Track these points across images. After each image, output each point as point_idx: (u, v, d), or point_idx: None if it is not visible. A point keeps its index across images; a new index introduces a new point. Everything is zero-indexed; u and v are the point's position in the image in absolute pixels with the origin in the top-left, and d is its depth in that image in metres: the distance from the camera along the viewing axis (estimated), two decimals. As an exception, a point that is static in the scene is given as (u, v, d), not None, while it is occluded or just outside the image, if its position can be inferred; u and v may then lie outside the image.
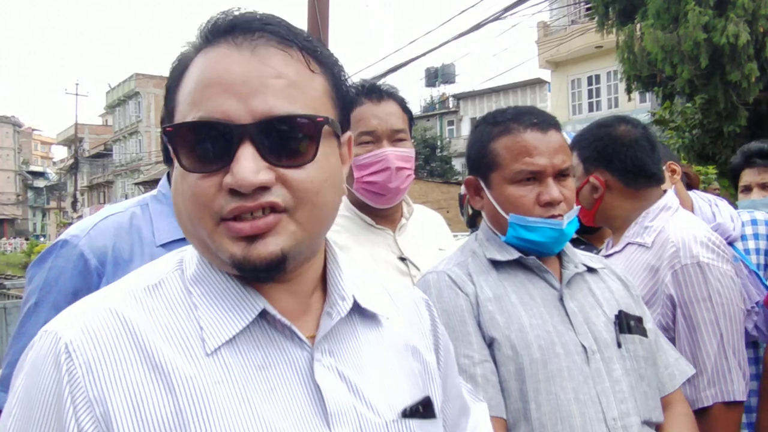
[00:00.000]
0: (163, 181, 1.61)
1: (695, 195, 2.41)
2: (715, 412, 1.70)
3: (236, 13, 0.83)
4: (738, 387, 1.73)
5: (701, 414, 1.71)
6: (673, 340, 1.76)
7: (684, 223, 1.86)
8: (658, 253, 1.81)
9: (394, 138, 1.86)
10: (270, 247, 0.77)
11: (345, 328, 0.89)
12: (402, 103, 1.92)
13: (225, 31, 0.81)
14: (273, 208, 0.77)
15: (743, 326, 1.82)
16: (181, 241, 1.48)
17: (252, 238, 0.77)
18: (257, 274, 0.79)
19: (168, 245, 1.49)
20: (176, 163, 0.81)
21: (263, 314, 0.82)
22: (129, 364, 0.76)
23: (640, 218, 1.91)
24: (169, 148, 0.81)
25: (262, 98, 0.77)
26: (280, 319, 0.82)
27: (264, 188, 0.76)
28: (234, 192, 0.76)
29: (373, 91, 1.88)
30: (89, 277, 1.42)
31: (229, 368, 0.79)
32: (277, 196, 0.77)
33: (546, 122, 1.51)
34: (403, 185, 1.88)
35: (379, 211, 1.93)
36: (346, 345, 0.88)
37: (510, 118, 1.52)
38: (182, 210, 0.82)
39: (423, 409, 0.91)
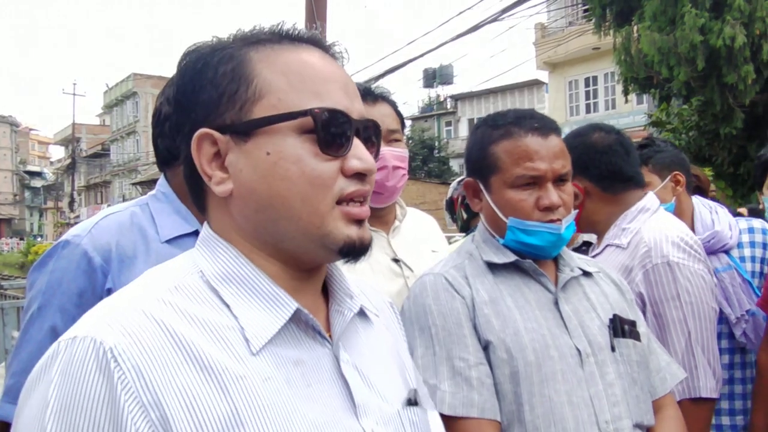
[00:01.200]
0: (162, 180, 1.60)
1: (697, 201, 2.40)
2: (683, 408, 1.71)
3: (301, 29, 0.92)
4: (705, 384, 1.75)
5: None
6: None
7: (658, 224, 1.89)
8: (632, 253, 1.85)
9: (390, 138, 1.89)
10: (367, 231, 0.88)
11: (351, 326, 0.94)
12: (394, 106, 1.95)
13: (306, 39, 0.90)
14: (365, 199, 0.88)
15: (715, 325, 1.84)
16: (186, 237, 1.50)
17: (360, 222, 0.87)
18: (357, 256, 0.87)
19: (173, 241, 1.49)
20: (275, 146, 0.83)
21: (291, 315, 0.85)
22: (178, 366, 0.75)
23: (618, 220, 1.95)
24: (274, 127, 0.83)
25: (359, 101, 0.90)
26: (307, 319, 0.86)
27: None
28: (354, 176, 0.85)
29: (367, 94, 1.90)
30: (94, 275, 1.40)
31: (272, 366, 0.81)
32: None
33: (547, 127, 1.52)
34: (399, 184, 1.91)
35: (373, 213, 1.93)
36: (353, 341, 0.93)
37: (511, 122, 1.53)
38: (292, 194, 0.83)
39: (416, 399, 0.97)
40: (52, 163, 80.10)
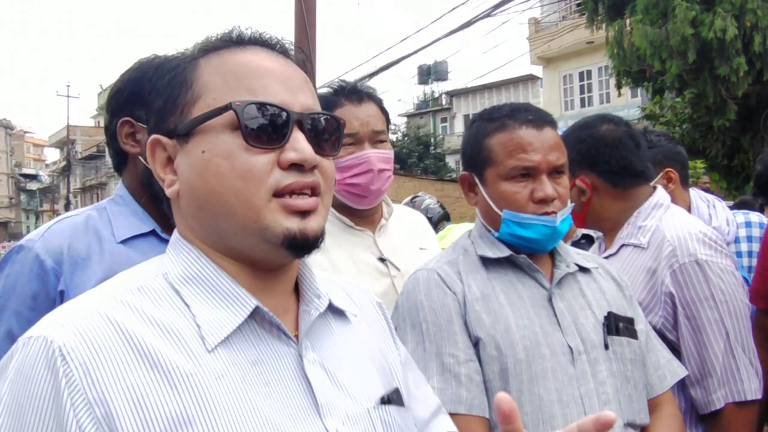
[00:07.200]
0: (120, 185, 1.63)
1: (695, 194, 2.35)
2: (728, 413, 1.65)
3: (251, 30, 0.93)
4: (749, 386, 1.67)
5: (714, 416, 1.67)
6: (674, 342, 1.72)
7: (678, 220, 1.82)
8: (654, 253, 1.77)
9: (375, 139, 1.87)
10: (316, 223, 0.86)
11: (322, 325, 0.94)
12: (380, 104, 1.93)
13: (251, 40, 0.92)
14: (314, 191, 0.86)
15: (749, 321, 1.76)
16: (142, 237, 1.52)
17: (303, 214, 0.85)
18: (303, 251, 0.86)
19: (128, 241, 1.50)
20: (209, 144, 0.85)
21: (252, 313, 0.85)
22: (126, 363, 0.76)
23: (632, 218, 1.87)
24: (204, 125, 0.86)
25: (304, 95, 0.89)
26: (269, 317, 0.86)
27: (314, 168, 0.87)
28: (292, 168, 0.84)
29: (353, 93, 1.88)
30: (46, 278, 1.42)
31: (227, 364, 0.81)
32: (319, 178, 0.87)
33: (541, 119, 1.51)
34: (383, 186, 1.89)
35: (359, 212, 1.92)
36: (324, 340, 0.93)
37: (505, 115, 1.52)
38: (225, 189, 0.84)
39: (396, 398, 0.96)
40: (47, 165, 79.78)
